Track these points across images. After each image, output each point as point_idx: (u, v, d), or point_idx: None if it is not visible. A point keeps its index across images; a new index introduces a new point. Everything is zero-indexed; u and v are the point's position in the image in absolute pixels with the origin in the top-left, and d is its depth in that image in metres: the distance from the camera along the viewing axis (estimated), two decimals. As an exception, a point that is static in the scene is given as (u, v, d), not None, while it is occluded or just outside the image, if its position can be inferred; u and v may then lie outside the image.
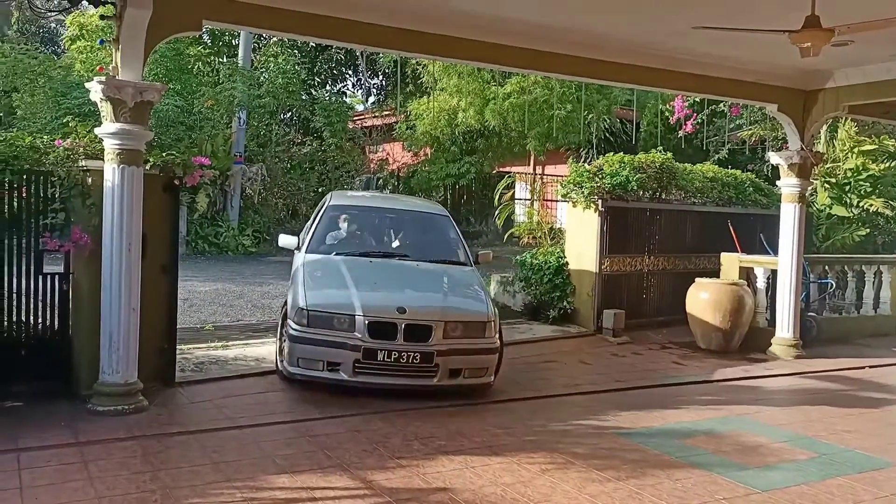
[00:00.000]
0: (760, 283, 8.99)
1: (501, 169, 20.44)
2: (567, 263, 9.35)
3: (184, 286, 8.65)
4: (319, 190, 17.66)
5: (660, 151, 10.21)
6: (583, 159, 17.59)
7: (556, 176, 17.25)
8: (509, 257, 10.77)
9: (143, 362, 5.43)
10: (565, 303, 9.20)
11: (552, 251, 9.65)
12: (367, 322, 5.88)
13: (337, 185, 17.90)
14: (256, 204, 16.09)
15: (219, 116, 15.49)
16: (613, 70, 7.35)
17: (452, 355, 5.98)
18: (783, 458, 5.07)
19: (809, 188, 9.47)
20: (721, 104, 13.61)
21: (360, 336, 5.86)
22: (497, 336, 6.27)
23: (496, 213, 12.72)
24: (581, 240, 9.24)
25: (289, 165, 17.79)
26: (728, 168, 11.87)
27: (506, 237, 12.71)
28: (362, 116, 22.55)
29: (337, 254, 6.95)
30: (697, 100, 13.24)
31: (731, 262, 9.17)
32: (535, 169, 20.94)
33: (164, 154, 5.75)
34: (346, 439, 4.99)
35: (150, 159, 5.62)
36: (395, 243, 7.42)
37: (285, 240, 7.28)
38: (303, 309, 5.99)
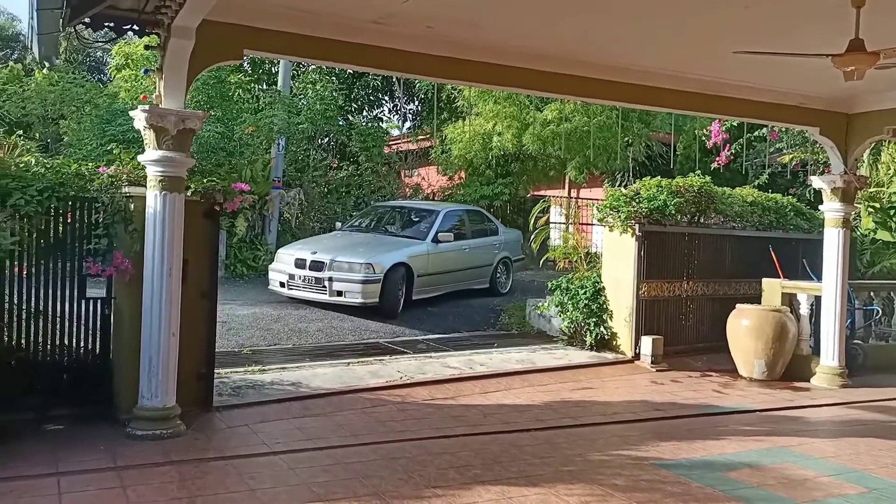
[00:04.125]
0: (804, 310, 8.76)
1: (536, 193, 20.35)
2: (603, 288, 9.23)
3: (222, 310, 8.74)
4: (355, 214, 17.74)
5: (697, 175, 10.06)
6: (619, 183, 17.45)
7: (592, 199, 17.09)
8: (544, 282, 10.68)
9: (182, 386, 5.46)
10: (602, 328, 9.07)
11: (588, 276, 9.53)
12: (293, 258, 10.76)
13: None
14: (294, 228, 16.18)
15: (258, 142, 15.69)
16: (652, 95, 7.29)
17: (336, 281, 10.31)
18: (831, 492, 4.88)
19: (853, 213, 9.24)
20: (760, 129, 13.40)
21: (290, 266, 10.75)
22: (374, 274, 10.28)
23: (531, 237, 12.64)
24: (618, 264, 9.13)
25: (326, 190, 17.90)
26: (768, 192, 11.64)
27: (541, 262, 12.62)
28: (398, 141, 22.65)
29: (343, 228, 12.72)
30: (735, 124, 13.04)
31: (773, 288, 8.95)
32: (569, 192, 20.80)
33: (205, 180, 5.83)
34: (381, 467, 4.94)
35: (192, 186, 5.69)
36: (390, 225, 12.43)
37: (337, 225, 13.33)
38: (276, 253, 11.57)
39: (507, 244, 13.68)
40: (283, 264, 10.94)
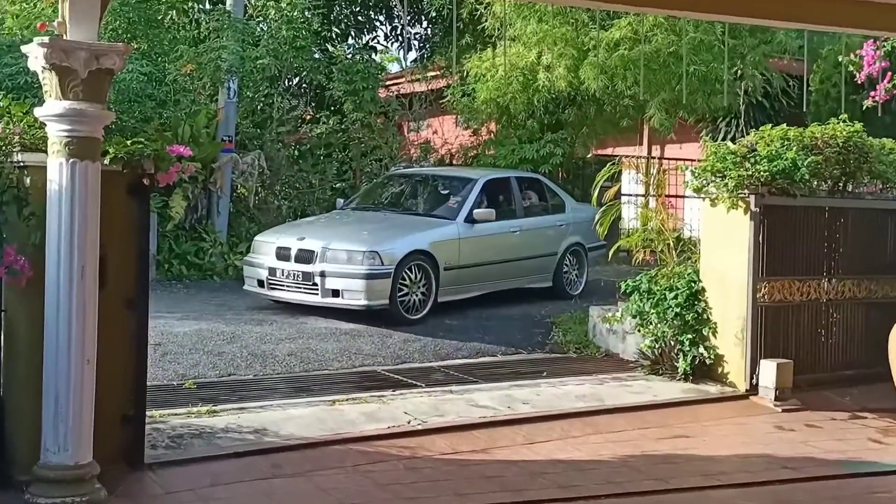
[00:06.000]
0: None
1: (601, 152, 20.25)
2: (703, 290, 9.26)
3: (155, 325, 8.83)
4: (338, 186, 17.79)
5: (843, 121, 10.02)
6: (723, 135, 17.34)
7: (683, 160, 17.06)
8: (615, 281, 10.72)
9: (101, 435, 5.56)
10: (701, 349, 9.11)
11: (680, 272, 9.57)
12: (275, 247, 11.49)
13: (364, 177, 18.03)
14: (252, 207, 16.29)
15: (200, 86, 15.78)
16: (774, 5, 7.27)
17: (331, 276, 10.89)
18: None
19: None
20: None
21: (270, 258, 11.47)
22: (382, 266, 10.93)
23: (596, 218, 12.66)
24: (724, 255, 9.16)
25: (296, 153, 17.99)
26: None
27: (611, 252, 12.66)
28: (398, 80, 22.67)
29: (344, 206, 13.72)
30: (900, 44, 12.93)
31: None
32: (649, 150, 20.68)
33: (128, 143, 5.92)
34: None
35: (110, 150, 5.78)
36: (409, 200, 13.62)
37: (339, 203, 14.22)
38: (254, 241, 12.31)
39: (579, 226, 13.92)
40: (262, 255, 11.72)
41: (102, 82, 5.48)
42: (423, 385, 8.74)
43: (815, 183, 9.45)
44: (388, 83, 21.60)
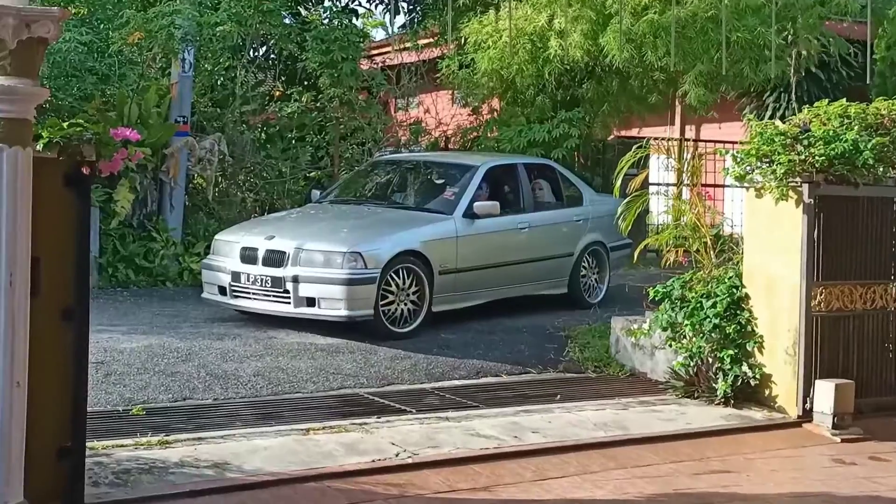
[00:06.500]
0: None
1: (624, 133, 20.25)
2: (746, 297, 9.29)
3: (97, 341, 8.91)
4: (313, 175, 17.76)
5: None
6: (770, 112, 17.35)
7: (723, 143, 17.10)
8: (641, 287, 10.73)
9: (34, 470, 5.55)
10: (745, 367, 9.12)
11: (719, 276, 9.60)
12: (240, 248, 11.59)
13: (344, 165, 18.02)
14: (211, 201, 16.28)
15: (150, 58, 15.80)
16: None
17: (305, 283, 11.01)
18: None
19: None
20: None
21: (233, 261, 11.56)
22: (365, 270, 11.02)
23: (619, 212, 12.70)
24: (772, 255, 9.18)
25: (263, 136, 17.98)
26: None
27: (636, 253, 12.69)
28: (384, 49, 22.66)
29: (321, 199, 13.84)
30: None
31: None
32: (682, 131, 20.72)
33: (65, 125, 5.90)
34: None
35: (44, 134, 5.77)
36: (396, 192, 13.80)
37: (314, 195, 14.31)
38: (215, 240, 12.37)
39: (599, 221, 14.01)
40: (224, 258, 11.83)
41: (34, 54, 5.45)
42: (414, 411, 8.74)
43: (882, 169, 9.45)
44: (371, 53, 21.57)
